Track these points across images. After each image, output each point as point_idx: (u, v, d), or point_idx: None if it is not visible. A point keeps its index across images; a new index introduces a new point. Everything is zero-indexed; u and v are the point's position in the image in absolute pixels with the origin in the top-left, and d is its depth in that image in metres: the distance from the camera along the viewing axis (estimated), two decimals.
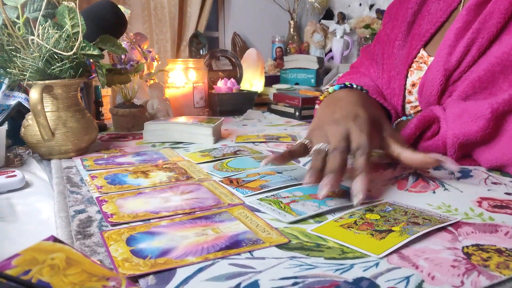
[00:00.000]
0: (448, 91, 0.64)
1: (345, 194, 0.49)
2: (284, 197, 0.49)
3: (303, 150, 0.53)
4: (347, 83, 0.62)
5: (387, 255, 0.35)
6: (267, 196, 0.50)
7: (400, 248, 0.36)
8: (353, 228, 0.40)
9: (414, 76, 0.71)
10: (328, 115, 0.55)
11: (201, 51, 2.00)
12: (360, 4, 2.22)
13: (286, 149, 0.53)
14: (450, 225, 0.41)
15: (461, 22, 0.62)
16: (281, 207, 0.46)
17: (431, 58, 0.68)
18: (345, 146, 0.50)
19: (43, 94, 0.65)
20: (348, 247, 0.37)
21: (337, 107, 0.56)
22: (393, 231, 0.39)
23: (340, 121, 0.53)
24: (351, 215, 0.43)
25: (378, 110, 0.58)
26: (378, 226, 0.40)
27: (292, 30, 2.32)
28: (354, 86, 0.62)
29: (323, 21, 2.27)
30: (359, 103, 0.57)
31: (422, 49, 0.71)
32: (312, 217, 0.44)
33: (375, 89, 0.79)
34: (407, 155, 0.53)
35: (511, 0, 0.57)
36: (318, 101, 0.63)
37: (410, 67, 0.72)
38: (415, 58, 0.71)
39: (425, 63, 0.70)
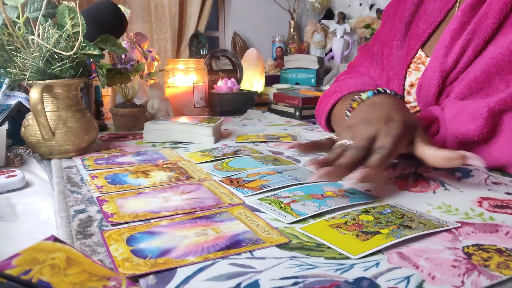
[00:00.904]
0: (445, 91, 0.64)
1: (345, 195, 0.49)
2: (284, 197, 0.49)
3: (330, 144, 0.52)
4: (380, 89, 0.59)
5: (387, 255, 0.35)
6: (267, 196, 0.50)
7: (400, 248, 0.36)
8: (341, 228, 0.40)
9: (412, 76, 0.71)
10: (362, 116, 0.54)
11: (201, 51, 2.00)
12: (360, 4, 2.22)
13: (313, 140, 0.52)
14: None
15: (456, 23, 0.62)
16: (281, 207, 0.46)
17: (429, 59, 0.68)
18: (364, 145, 0.48)
19: (43, 94, 0.65)
20: (326, 246, 0.37)
21: (372, 110, 0.55)
22: (380, 233, 0.38)
23: (372, 122, 0.51)
24: (344, 215, 0.43)
25: (413, 114, 0.56)
26: (366, 228, 0.40)
27: (292, 30, 2.32)
28: (388, 91, 0.59)
29: (323, 21, 2.27)
30: (395, 107, 0.54)
31: (420, 49, 0.71)
32: (313, 217, 0.43)
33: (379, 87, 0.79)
34: (431, 152, 0.50)
35: (505, 1, 0.57)
36: (350, 108, 0.60)
37: (408, 67, 0.72)
38: (413, 58, 0.72)
39: (422, 63, 0.70)
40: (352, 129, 0.52)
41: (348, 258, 0.35)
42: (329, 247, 0.37)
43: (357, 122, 0.53)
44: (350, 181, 0.45)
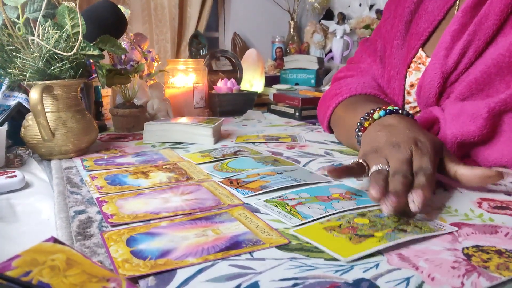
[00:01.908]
0: (446, 92, 0.64)
1: (352, 198, 0.49)
2: (291, 199, 0.49)
3: (360, 169, 0.50)
4: (391, 108, 0.58)
5: (387, 256, 0.35)
6: (273, 198, 0.49)
7: (400, 249, 0.36)
8: (334, 231, 0.40)
9: (413, 77, 0.71)
10: (385, 139, 0.52)
11: (201, 51, 2.00)
12: (360, 5, 2.22)
13: (343, 165, 0.49)
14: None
15: (457, 24, 0.62)
16: (287, 209, 0.45)
17: (429, 59, 0.68)
18: (407, 169, 0.46)
19: (43, 95, 0.65)
20: (318, 248, 0.37)
21: (393, 131, 0.53)
22: (374, 236, 0.38)
23: (400, 145, 0.49)
24: (339, 218, 0.43)
25: (432, 134, 0.54)
26: (361, 231, 0.39)
27: (292, 30, 2.32)
28: (400, 111, 0.58)
29: (323, 21, 2.27)
30: (415, 129, 0.53)
31: (420, 49, 0.71)
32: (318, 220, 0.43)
33: (380, 89, 0.79)
34: (464, 172, 0.48)
35: (506, 2, 0.57)
36: (362, 128, 0.59)
37: (408, 67, 0.72)
38: (413, 58, 0.72)
39: (423, 63, 0.70)
40: (381, 154, 0.50)
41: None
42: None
43: (382, 147, 0.51)
44: (416, 210, 0.42)
